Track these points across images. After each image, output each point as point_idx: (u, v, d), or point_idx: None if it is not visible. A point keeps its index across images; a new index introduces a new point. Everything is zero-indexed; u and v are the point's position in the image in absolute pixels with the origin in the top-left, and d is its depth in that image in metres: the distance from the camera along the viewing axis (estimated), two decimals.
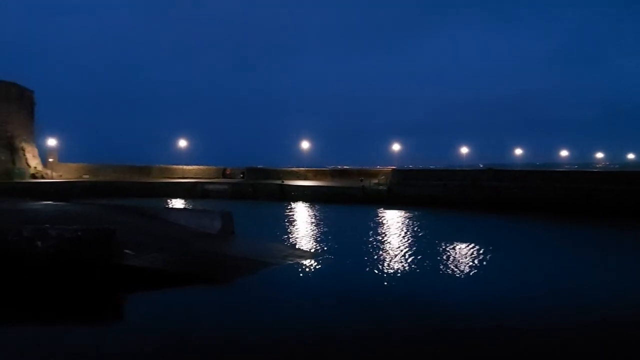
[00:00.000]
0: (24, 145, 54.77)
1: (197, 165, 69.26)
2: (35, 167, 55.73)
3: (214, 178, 62.48)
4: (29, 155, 55.39)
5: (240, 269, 15.18)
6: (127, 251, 14.13)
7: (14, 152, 52.58)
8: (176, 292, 13.29)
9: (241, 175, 64.62)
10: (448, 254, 18.77)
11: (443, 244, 20.72)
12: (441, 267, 16.46)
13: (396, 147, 77.10)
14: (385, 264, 16.74)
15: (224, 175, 65.89)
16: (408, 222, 29.93)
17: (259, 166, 69.85)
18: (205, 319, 11.04)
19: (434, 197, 40.73)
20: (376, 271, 15.72)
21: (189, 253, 16.07)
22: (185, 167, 68.02)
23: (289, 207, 39.57)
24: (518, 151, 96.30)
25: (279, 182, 53.50)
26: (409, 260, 17.38)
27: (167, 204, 42.06)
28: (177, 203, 43.38)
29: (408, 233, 24.66)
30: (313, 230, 25.57)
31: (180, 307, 12.00)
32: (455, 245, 20.66)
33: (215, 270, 14.82)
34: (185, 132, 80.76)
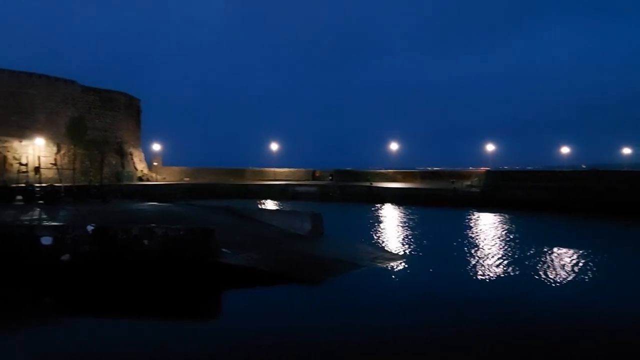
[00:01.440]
0: (132, 150, 59.29)
1: (287, 167, 71.10)
2: (141, 170, 60.14)
3: (303, 180, 63.80)
4: (136, 160, 59.91)
5: (331, 269, 15.40)
6: (224, 250, 14.85)
7: (123, 156, 57.07)
8: (270, 290, 13.78)
9: (330, 178, 65.38)
10: (544, 259, 17.76)
11: (539, 249, 19.62)
12: (537, 273, 15.61)
13: (490, 147, 74.20)
14: (477, 269, 16.20)
15: (313, 177, 67.06)
16: (502, 225, 28.68)
17: (347, 168, 70.31)
18: (298, 318, 11.35)
19: (531, 200, 38.65)
20: (467, 276, 15.26)
21: (282, 253, 16.57)
22: (276, 169, 70.07)
23: (377, 209, 39.44)
24: (626, 150, 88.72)
25: (368, 184, 53.47)
26: (503, 266, 16.67)
27: (260, 205, 43.57)
28: (269, 204, 44.80)
29: (502, 237, 23.64)
30: (402, 232, 25.30)
31: (274, 305, 12.42)
32: (552, 250, 19.49)
33: (306, 270, 15.16)
34: (277, 135, 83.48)
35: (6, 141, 44.56)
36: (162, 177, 63.19)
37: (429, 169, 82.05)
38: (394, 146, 75.83)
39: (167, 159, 70.47)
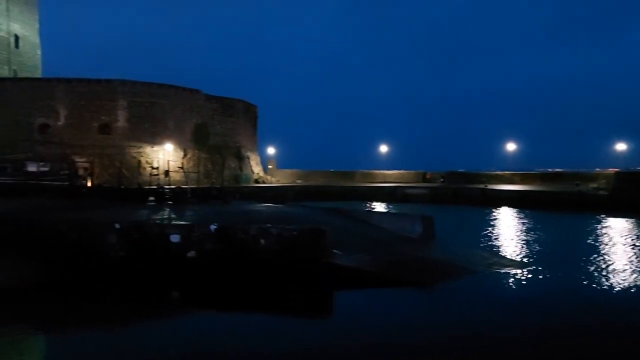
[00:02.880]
0: (249, 154, 62.52)
1: (397, 170, 70.51)
2: (257, 173, 63.19)
3: (413, 182, 62.85)
4: (252, 163, 63.08)
5: (444, 274, 15.02)
6: (335, 251, 15.12)
7: (241, 160, 60.37)
8: (380, 292, 13.78)
9: (441, 180, 63.70)
10: None
11: None
12: None
13: (620, 147, 67.47)
14: (604, 280, 14.82)
15: (424, 179, 65.78)
16: (634, 232, 25.95)
17: (459, 170, 68.01)
18: (409, 321, 11.23)
19: None
20: (592, 288, 14.03)
21: (392, 255, 16.48)
22: (386, 171, 69.79)
23: (492, 213, 37.67)
24: None
25: (482, 186, 51.28)
26: (636, 278, 15.10)
27: (369, 207, 43.70)
28: (378, 206, 44.76)
29: (634, 245, 21.39)
30: (521, 238, 23.91)
31: (385, 307, 12.40)
32: None
33: (418, 273, 14.93)
34: (387, 138, 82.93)
35: (140, 147, 49.26)
36: (276, 179, 65.84)
37: (549, 170, 76.61)
38: (510, 146, 71.94)
39: (281, 162, 73.42)
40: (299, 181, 65.65)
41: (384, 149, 77.71)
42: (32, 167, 31.95)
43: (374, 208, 42.84)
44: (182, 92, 53.67)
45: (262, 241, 14.87)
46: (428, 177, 66.21)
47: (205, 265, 14.68)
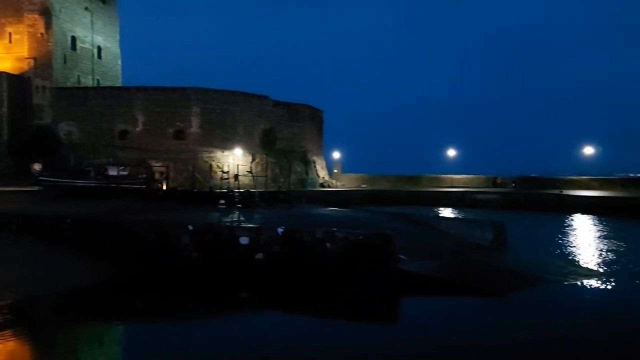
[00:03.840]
0: (315, 158, 63.19)
1: (465, 174, 68.67)
2: (323, 177, 63.73)
3: (483, 187, 60.96)
4: (318, 167, 63.70)
5: (516, 282, 14.46)
6: (401, 256, 14.97)
7: (307, 164, 61.12)
8: (449, 299, 13.48)
9: (513, 185, 61.33)
10: None
11: None
12: None
13: None
14: None
15: (494, 184, 63.62)
16: None
17: (532, 175, 65.20)
18: (480, 332, 10.91)
19: None
20: None
21: (461, 262, 16.08)
22: (453, 176, 68.17)
23: (568, 220, 35.80)
24: None
25: (557, 191, 48.90)
26: None
27: (436, 212, 42.84)
28: (446, 212, 43.77)
29: None
30: (599, 246, 22.57)
31: (455, 316, 12.13)
32: None
33: (488, 281, 14.47)
34: (455, 142, 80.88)
35: (212, 152, 51.13)
36: (342, 183, 66.05)
37: (631, 175, 71.79)
38: (588, 150, 68.12)
39: (346, 166, 73.50)
40: (364, 185, 65.48)
41: (451, 153, 75.93)
42: (112, 171, 33.87)
43: (441, 213, 41.95)
44: (251, 99, 55.21)
45: (328, 245, 14.99)
46: (498, 182, 63.97)
47: (273, 266, 15.00)
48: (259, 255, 15.28)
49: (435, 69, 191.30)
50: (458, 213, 41.87)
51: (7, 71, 49.30)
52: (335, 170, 69.74)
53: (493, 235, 20.13)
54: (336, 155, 71.03)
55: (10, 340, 9.73)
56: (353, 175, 70.90)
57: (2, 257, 15.12)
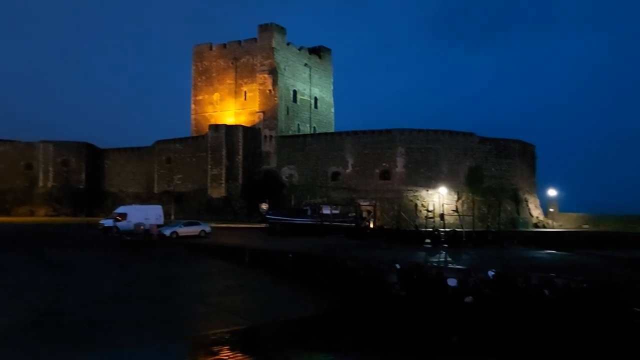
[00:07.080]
0: (527, 196, 58.95)
1: None
2: (537, 217, 58.92)
3: None
4: (531, 206, 59.18)
5: None
6: (637, 309, 13.02)
7: (518, 202, 57.29)
8: None
9: None
10: None
11: None
12: None
13: None
14: None
15: None
16: None
17: None
18: None
19: None
20: None
21: None
22: None
23: None
24: None
25: None
26: None
27: None
28: None
29: None
30: None
31: None
32: None
33: None
34: None
35: (416, 191, 51.70)
36: (559, 223, 60.08)
37: None
38: None
39: (564, 205, 66.58)
40: (585, 226, 58.51)
41: None
42: (326, 210, 36.66)
43: None
44: (456, 136, 54.59)
45: (546, 291, 13.88)
46: None
47: (483, 311, 14.41)
48: (469, 299, 14.88)
49: None
50: None
51: (242, 124, 58.00)
52: (550, 210, 63.77)
53: None
54: (552, 192, 64.94)
55: None
56: (572, 214, 63.90)
57: (237, 288, 17.60)
